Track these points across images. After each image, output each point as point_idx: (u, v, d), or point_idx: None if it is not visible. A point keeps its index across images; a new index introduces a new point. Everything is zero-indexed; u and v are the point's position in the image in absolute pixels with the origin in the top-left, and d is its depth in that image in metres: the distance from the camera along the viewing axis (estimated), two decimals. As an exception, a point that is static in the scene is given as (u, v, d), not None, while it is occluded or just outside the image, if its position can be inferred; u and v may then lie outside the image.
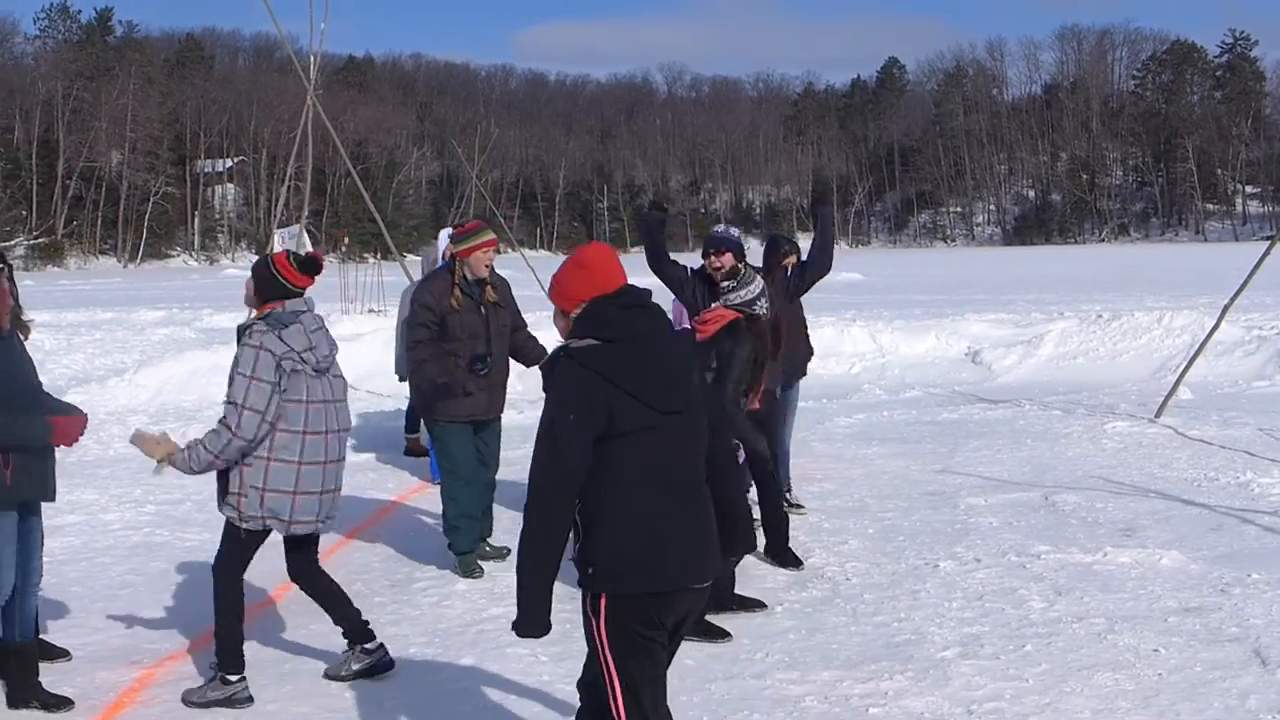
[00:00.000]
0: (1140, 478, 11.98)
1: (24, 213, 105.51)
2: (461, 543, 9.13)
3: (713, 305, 8.01)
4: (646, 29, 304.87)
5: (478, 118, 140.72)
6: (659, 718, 4.62)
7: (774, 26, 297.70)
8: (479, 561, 9.23)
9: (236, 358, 6.45)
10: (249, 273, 6.78)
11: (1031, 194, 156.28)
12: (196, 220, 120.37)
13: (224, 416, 6.37)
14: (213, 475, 6.60)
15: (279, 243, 20.40)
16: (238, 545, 6.65)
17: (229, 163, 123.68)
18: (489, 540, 9.63)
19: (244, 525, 6.56)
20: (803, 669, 6.97)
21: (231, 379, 6.41)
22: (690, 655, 7.20)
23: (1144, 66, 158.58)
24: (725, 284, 8.02)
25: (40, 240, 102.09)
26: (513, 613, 8.07)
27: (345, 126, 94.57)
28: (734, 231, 9.59)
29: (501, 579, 9.03)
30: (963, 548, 9.48)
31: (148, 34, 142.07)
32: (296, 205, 51.65)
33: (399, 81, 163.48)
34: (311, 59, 22.09)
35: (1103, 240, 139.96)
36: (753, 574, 8.97)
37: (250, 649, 7.03)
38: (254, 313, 6.71)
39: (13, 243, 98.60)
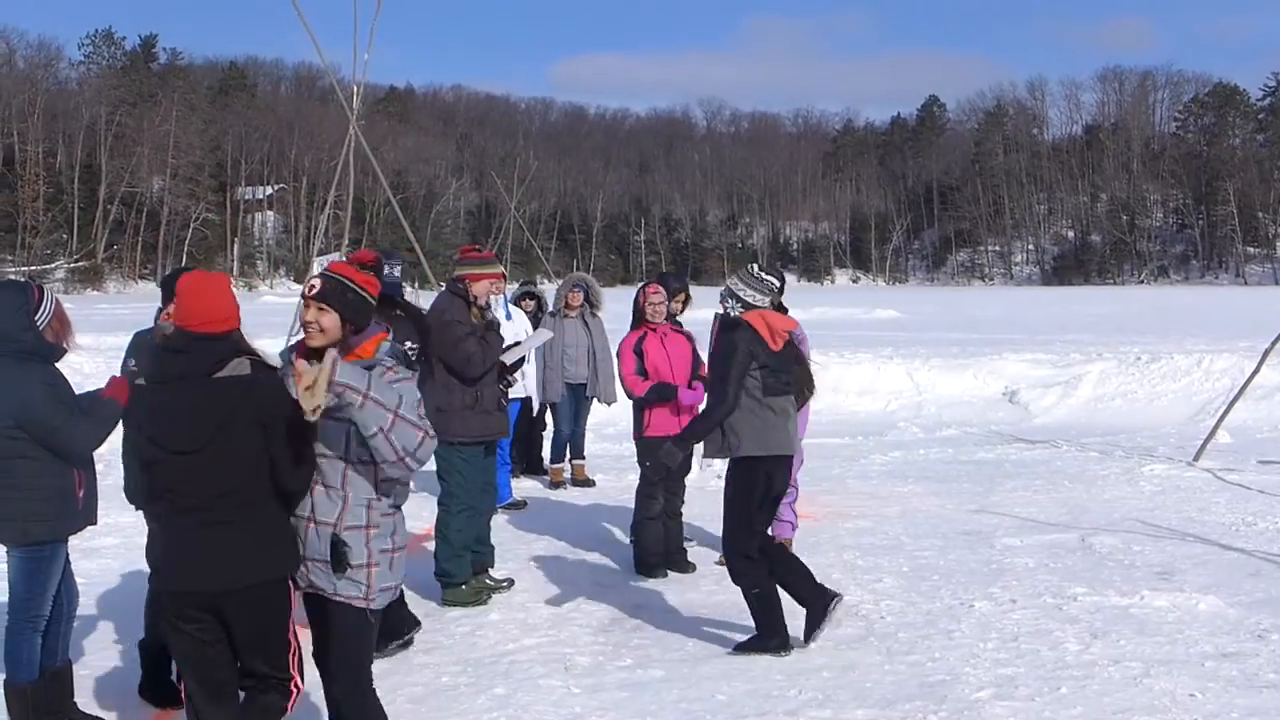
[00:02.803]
0: (1178, 521, 11.90)
1: (65, 236, 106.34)
2: (462, 572, 9.14)
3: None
4: (686, 63, 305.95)
5: (517, 149, 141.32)
6: (205, 690, 5.12)
7: (814, 63, 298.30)
8: (480, 593, 9.25)
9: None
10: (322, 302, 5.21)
11: (1071, 234, 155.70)
12: (236, 247, 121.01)
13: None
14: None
15: (318, 270, 20.47)
16: (370, 637, 5.38)
17: (269, 190, 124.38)
18: (491, 571, 9.61)
19: (372, 606, 5.23)
20: (835, 707, 6.93)
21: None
22: (723, 691, 7.19)
23: (1186, 108, 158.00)
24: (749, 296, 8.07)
25: (81, 264, 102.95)
26: (545, 644, 8.15)
27: (385, 156, 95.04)
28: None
29: (535, 610, 9.05)
30: (998, 588, 9.43)
31: (191, 61, 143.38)
32: (336, 233, 52.03)
33: (439, 112, 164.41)
34: (354, 89, 22.21)
35: (1142, 282, 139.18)
36: (786, 610, 8.93)
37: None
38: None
39: (53, 265, 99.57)
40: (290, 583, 5.14)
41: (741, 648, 7.96)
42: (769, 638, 7.90)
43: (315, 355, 5.11)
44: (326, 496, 5.16)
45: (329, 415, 5.02)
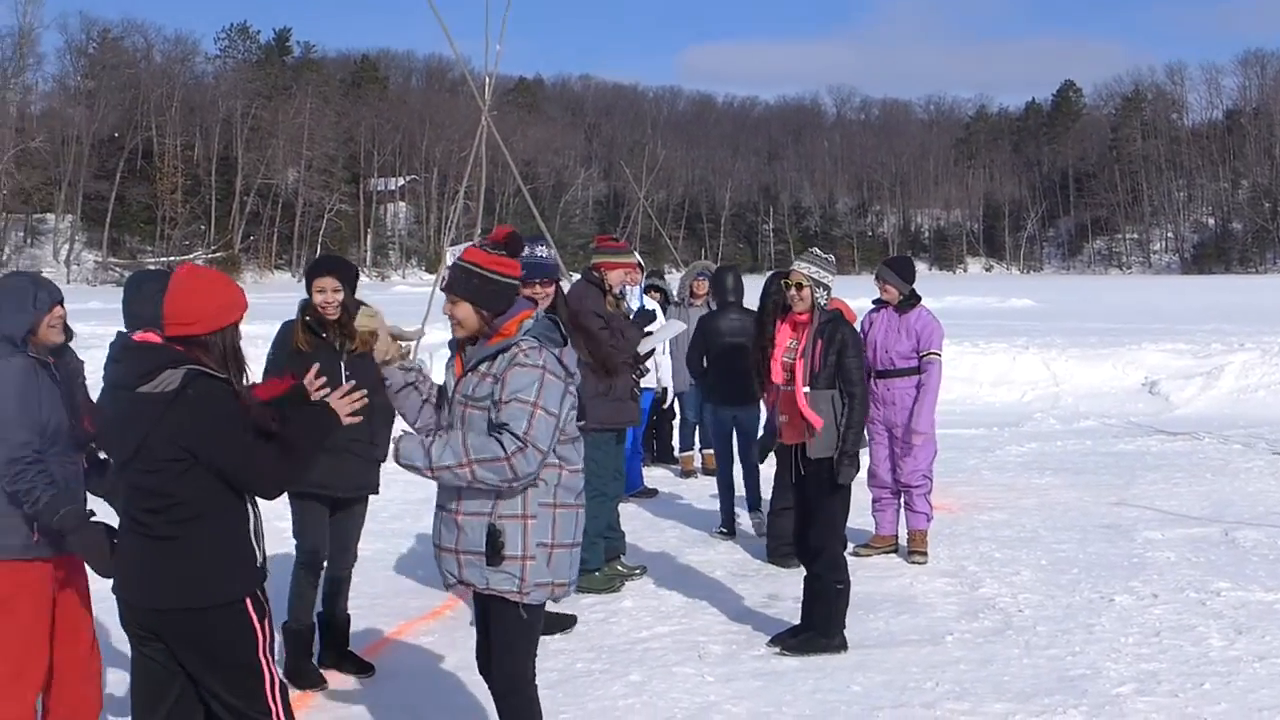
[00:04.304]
0: (1326, 515, 11.60)
1: (203, 227, 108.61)
2: (594, 559, 9.17)
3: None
4: (816, 50, 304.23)
5: (645, 139, 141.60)
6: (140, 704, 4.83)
7: (946, 48, 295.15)
8: (613, 580, 9.29)
9: (504, 381, 4.99)
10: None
11: (1211, 222, 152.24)
12: (369, 237, 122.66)
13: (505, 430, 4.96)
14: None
15: (450, 260, 20.68)
16: (529, 634, 5.28)
17: (401, 181, 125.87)
18: (623, 558, 9.65)
19: (526, 601, 5.12)
20: (973, 700, 6.85)
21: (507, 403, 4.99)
22: (857, 682, 7.15)
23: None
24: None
25: (218, 254, 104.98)
26: (679, 631, 8.15)
27: (515, 146, 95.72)
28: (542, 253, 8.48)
29: (668, 598, 9.07)
30: (1139, 582, 9.25)
31: (324, 54, 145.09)
32: (467, 223, 52.48)
33: (568, 103, 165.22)
34: (486, 80, 22.41)
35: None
36: (921, 603, 8.87)
37: (414, 654, 7.11)
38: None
39: (191, 256, 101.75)
40: (250, 608, 4.71)
41: (801, 647, 7.75)
42: (834, 635, 7.79)
43: (471, 343, 5.18)
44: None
45: (472, 405, 5.03)
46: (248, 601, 4.69)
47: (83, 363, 6.01)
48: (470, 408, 5.05)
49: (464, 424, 5.04)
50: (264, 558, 4.80)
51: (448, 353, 5.34)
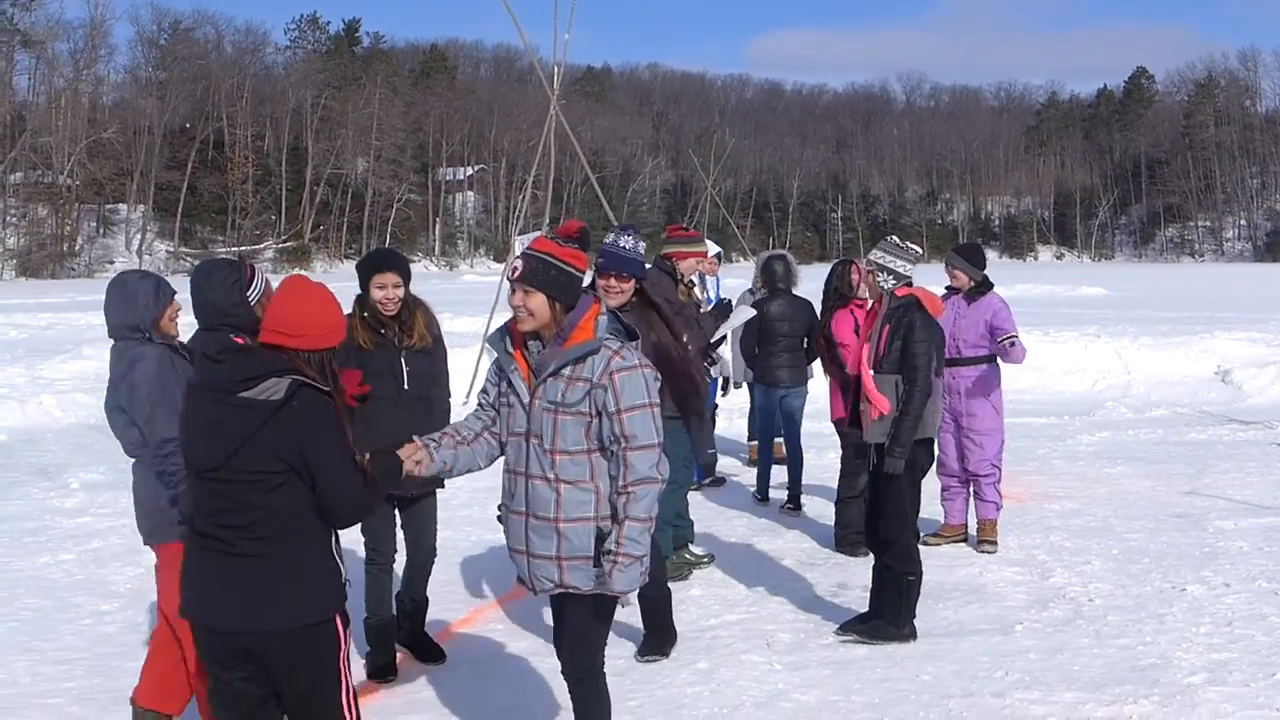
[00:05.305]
0: (1403, 506, 11.45)
1: (273, 217, 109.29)
2: (663, 547, 9.19)
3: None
4: (885, 37, 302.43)
5: (713, 127, 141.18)
6: None
7: (1017, 35, 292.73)
8: (681, 568, 9.33)
9: (614, 389, 4.90)
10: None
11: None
12: (437, 227, 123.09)
13: (636, 461, 4.91)
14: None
15: (519, 249, 20.77)
16: (609, 622, 5.33)
17: (469, 171, 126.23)
18: (691, 546, 9.68)
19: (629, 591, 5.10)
20: (1043, 689, 6.83)
21: (620, 415, 4.90)
22: (927, 671, 7.14)
23: None
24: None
25: (288, 244, 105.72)
26: (747, 620, 8.18)
27: (582, 135, 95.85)
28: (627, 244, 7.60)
29: (736, 586, 9.10)
30: (1211, 572, 9.19)
31: (393, 45, 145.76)
32: (535, 213, 52.61)
33: (636, 91, 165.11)
34: (555, 69, 22.48)
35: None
36: (991, 592, 8.85)
37: (482, 641, 7.17)
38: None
39: (262, 246, 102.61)
40: (338, 622, 4.67)
41: (869, 633, 7.76)
42: (903, 625, 7.78)
43: (532, 337, 5.06)
44: (576, 490, 4.94)
45: (564, 411, 4.92)
46: (336, 616, 4.67)
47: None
48: (561, 414, 4.92)
49: (555, 430, 4.94)
50: (346, 572, 4.78)
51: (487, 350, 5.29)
